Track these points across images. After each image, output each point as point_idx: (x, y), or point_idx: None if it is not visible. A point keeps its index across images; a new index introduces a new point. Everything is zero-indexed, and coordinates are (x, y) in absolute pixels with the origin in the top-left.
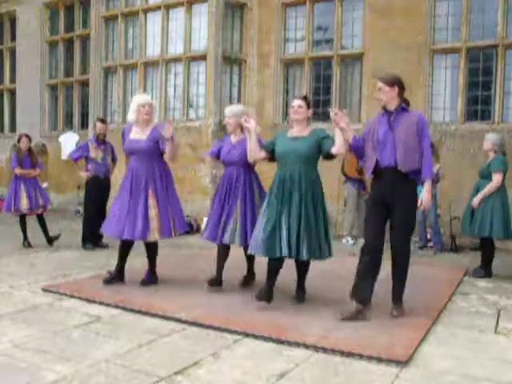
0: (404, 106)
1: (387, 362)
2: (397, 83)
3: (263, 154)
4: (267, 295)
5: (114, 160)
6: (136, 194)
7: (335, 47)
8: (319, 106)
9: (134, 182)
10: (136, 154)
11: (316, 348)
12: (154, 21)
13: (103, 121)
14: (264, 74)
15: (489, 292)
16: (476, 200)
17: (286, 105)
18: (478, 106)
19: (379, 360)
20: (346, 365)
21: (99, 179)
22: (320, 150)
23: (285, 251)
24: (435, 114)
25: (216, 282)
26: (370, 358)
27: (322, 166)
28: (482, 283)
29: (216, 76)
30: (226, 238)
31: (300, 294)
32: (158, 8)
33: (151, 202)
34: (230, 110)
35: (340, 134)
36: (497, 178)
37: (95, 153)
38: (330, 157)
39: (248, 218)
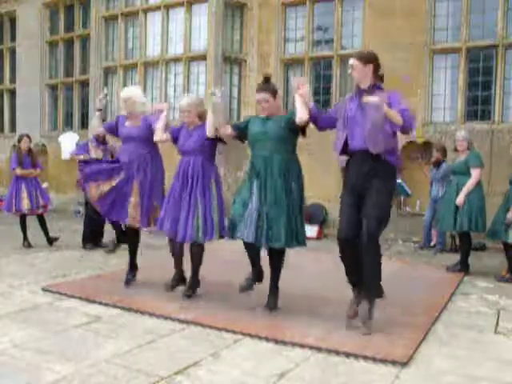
0: (379, 84)
1: (387, 362)
2: (371, 61)
3: (229, 130)
4: (253, 279)
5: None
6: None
7: (335, 47)
8: (319, 106)
9: (125, 167)
10: (130, 142)
11: (316, 348)
12: (154, 21)
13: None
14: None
15: (489, 292)
16: (460, 199)
17: (286, 105)
18: (478, 105)
19: (379, 360)
20: (346, 365)
21: None
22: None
23: (251, 237)
24: (435, 114)
25: (177, 283)
26: (370, 358)
27: (323, 165)
28: (482, 283)
29: (216, 76)
30: (191, 236)
31: (271, 300)
32: (157, 8)
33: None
34: (189, 101)
35: (300, 100)
36: (476, 173)
37: (95, 153)
38: (299, 130)
39: (208, 211)
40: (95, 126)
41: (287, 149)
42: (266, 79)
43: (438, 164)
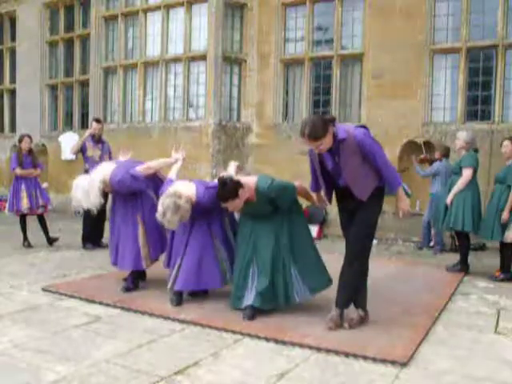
0: (339, 137)
1: (387, 362)
2: (327, 129)
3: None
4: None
5: (111, 159)
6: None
7: (335, 47)
8: (319, 106)
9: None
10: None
11: (316, 348)
12: (154, 21)
13: (98, 120)
14: (264, 73)
15: (489, 292)
16: (449, 197)
17: (286, 105)
18: (478, 105)
19: (379, 360)
20: (346, 365)
21: None
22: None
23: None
24: (435, 114)
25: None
26: (370, 358)
27: None
28: (482, 283)
29: (216, 76)
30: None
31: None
32: (157, 8)
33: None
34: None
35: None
36: (466, 173)
37: (92, 151)
38: None
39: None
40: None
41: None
42: (222, 184)
43: (431, 162)
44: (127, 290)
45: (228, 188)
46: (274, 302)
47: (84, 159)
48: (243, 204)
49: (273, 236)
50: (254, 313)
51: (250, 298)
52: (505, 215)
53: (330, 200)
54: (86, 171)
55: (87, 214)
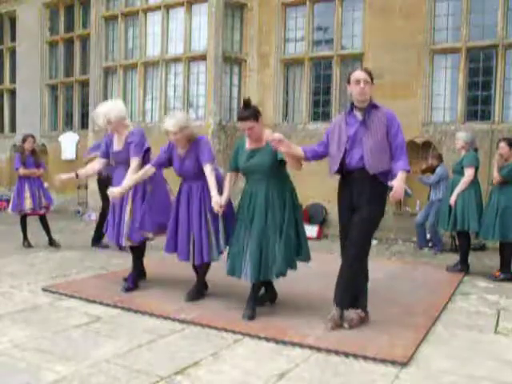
0: (374, 102)
1: (387, 362)
2: (372, 76)
3: (234, 177)
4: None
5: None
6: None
7: (335, 47)
8: (319, 105)
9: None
10: (120, 164)
11: (316, 348)
12: (154, 21)
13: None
14: (264, 73)
15: (489, 292)
16: (452, 198)
17: (287, 105)
18: (478, 105)
19: (379, 360)
20: (346, 365)
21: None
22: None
23: (245, 275)
24: (435, 114)
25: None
26: (370, 358)
27: (323, 165)
28: (482, 283)
29: (216, 76)
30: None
31: (250, 309)
32: (157, 8)
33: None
34: (175, 124)
35: (288, 157)
36: (469, 173)
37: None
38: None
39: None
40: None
41: (280, 175)
42: (246, 104)
43: (432, 171)
44: (127, 290)
45: (250, 109)
46: (265, 273)
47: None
48: (250, 151)
49: (265, 213)
50: (253, 313)
51: (246, 273)
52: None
53: (337, 172)
54: (101, 175)
55: (105, 212)
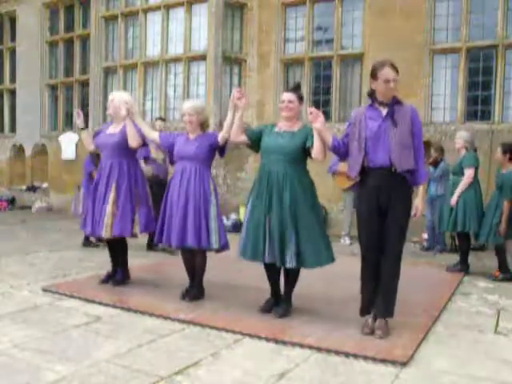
0: (397, 98)
1: (387, 362)
2: (398, 70)
3: (243, 137)
4: (268, 306)
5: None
6: (101, 191)
7: (335, 47)
8: (319, 106)
9: (101, 179)
10: (106, 150)
11: (316, 348)
12: (154, 21)
13: (163, 119)
14: (264, 73)
15: (489, 292)
16: (453, 199)
17: None
18: (478, 105)
19: (379, 360)
20: (346, 365)
21: (159, 179)
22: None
23: (268, 258)
24: (435, 114)
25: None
26: (370, 358)
27: (323, 165)
28: (482, 283)
29: (216, 76)
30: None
31: (281, 308)
32: (157, 8)
33: (111, 197)
34: (193, 106)
35: (317, 137)
36: (469, 173)
37: (156, 153)
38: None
39: (202, 217)
40: (87, 144)
41: (302, 165)
42: (297, 86)
43: (435, 163)
44: (118, 283)
45: (299, 91)
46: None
47: (145, 161)
48: (282, 131)
49: (282, 204)
50: (285, 312)
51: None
52: (502, 227)
53: (357, 173)
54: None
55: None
